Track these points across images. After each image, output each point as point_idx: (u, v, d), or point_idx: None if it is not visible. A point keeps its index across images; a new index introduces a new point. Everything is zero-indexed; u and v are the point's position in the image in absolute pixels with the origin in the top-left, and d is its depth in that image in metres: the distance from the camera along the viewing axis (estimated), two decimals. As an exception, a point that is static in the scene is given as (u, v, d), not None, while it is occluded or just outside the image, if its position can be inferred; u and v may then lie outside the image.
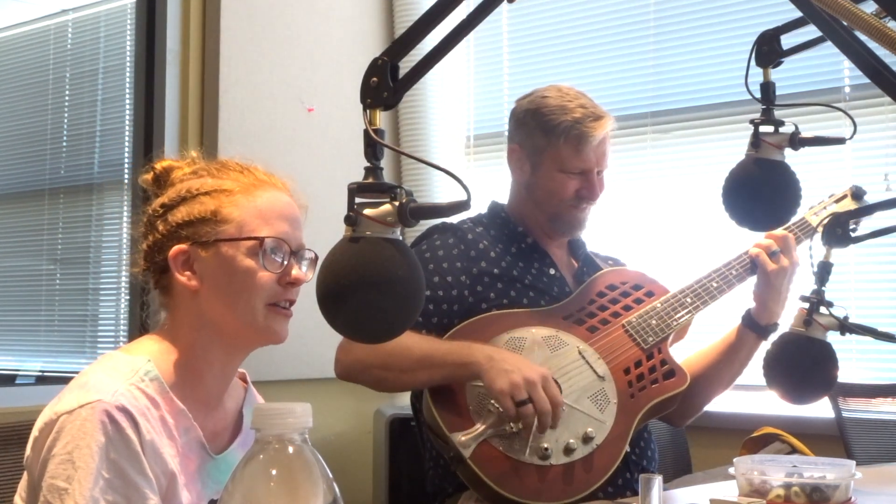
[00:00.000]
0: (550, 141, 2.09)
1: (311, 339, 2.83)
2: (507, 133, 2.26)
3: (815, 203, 2.16)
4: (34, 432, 1.26)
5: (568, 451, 1.89)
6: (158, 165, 1.46)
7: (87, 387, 1.25)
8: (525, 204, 2.20)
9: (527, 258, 2.16)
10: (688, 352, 2.21)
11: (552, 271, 2.17)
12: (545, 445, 1.87)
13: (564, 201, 2.12)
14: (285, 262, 1.37)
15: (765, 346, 1.76)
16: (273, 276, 1.36)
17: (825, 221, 1.70)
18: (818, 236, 1.75)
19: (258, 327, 1.37)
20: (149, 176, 1.46)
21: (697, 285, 2.12)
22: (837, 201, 2.12)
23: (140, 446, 1.23)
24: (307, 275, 1.40)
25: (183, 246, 1.36)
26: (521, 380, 1.83)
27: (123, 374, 1.28)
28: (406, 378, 1.97)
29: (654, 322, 2.08)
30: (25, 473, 1.28)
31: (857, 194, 2.08)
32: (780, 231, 2.09)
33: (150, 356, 1.33)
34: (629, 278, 2.18)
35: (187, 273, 1.36)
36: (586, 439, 1.91)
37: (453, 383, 1.93)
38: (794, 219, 1.96)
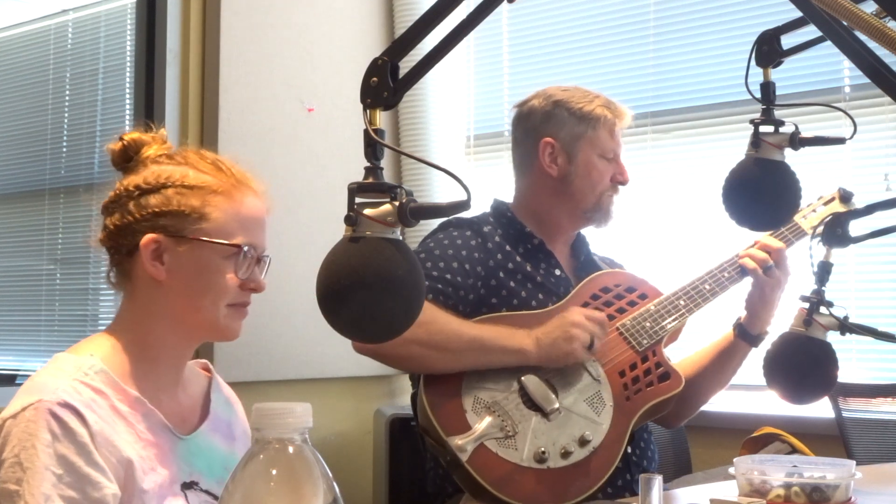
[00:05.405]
0: (590, 125, 2.12)
1: (311, 339, 2.83)
2: (513, 135, 2.24)
3: (803, 206, 2.15)
4: None
5: (565, 454, 1.88)
6: (127, 137, 1.44)
7: (31, 390, 1.28)
8: (547, 200, 2.17)
9: (534, 258, 2.14)
10: (682, 353, 2.21)
11: (558, 272, 2.16)
12: (542, 449, 1.87)
13: (604, 189, 2.14)
14: (253, 269, 1.41)
15: (764, 347, 1.76)
16: (238, 280, 1.39)
17: (825, 221, 1.69)
18: (817, 237, 1.75)
19: (218, 326, 1.40)
20: (116, 146, 1.43)
21: (690, 288, 2.11)
22: (826, 203, 2.11)
23: (90, 437, 1.24)
24: (264, 283, 1.43)
25: (156, 235, 1.36)
26: (576, 335, 1.92)
27: (67, 372, 1.31)
28: (449, 359, 1.92)
29: (648, 325, 2.07)
30: None
31: (845, 197, 2.08)
32: (775, 242, 2.09)
33: (98, 352, 1.36)
34: (622, 280, 2.16)
35: (156, 263, 1.36)
36: (583, 442, 1.90)
37: (494, 368, 1.93)
38: None
